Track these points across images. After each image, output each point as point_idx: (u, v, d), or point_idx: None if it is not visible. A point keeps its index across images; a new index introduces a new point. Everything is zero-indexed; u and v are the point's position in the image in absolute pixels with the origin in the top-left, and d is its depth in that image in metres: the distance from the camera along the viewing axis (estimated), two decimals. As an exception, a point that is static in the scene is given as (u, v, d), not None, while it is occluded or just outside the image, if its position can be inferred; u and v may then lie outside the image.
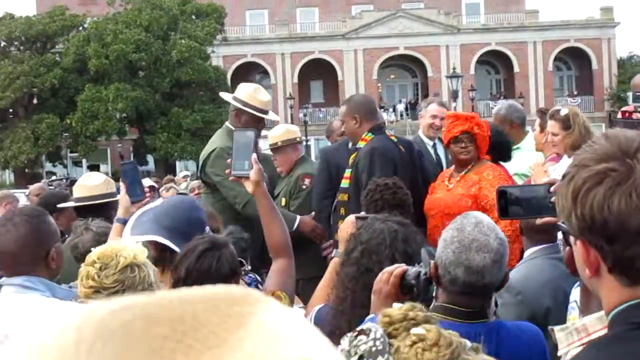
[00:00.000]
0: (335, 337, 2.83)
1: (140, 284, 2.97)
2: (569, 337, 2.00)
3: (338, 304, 3.44)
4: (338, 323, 3.34)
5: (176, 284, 3.27)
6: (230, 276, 3.51)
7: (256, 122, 6.31)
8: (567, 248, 2.19)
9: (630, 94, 6.34)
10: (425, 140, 7.62)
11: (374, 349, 2.19)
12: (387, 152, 6.13)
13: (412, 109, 62.41)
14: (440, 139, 7.55)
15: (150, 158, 53.29)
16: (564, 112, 6.12)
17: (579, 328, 1.98)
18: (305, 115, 52.65)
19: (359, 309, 3.33)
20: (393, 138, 6.41)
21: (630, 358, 1.55)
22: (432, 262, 2.96)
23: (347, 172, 6.24)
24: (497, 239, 3.02)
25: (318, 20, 65.38)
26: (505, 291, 3.95)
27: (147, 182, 11.61)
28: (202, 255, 3.39)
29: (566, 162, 6.00)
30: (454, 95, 41.41)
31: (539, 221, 3.76)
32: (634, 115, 6.16)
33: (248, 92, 6.53)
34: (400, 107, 61.79)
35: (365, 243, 3.51)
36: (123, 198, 4.86)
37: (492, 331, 2.95)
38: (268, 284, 3.90)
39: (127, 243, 3.16)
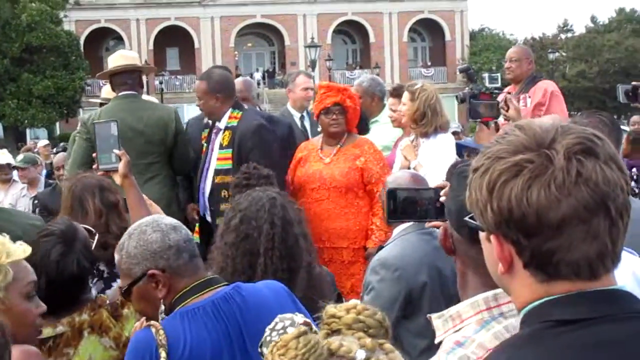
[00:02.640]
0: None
1: None
2: (445, 325, 2.04)
3: (219, 273, 3.44)
4: None
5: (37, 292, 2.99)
6: (90, 269, 3.50)
7: None
8: (442, 229, 2.19)
9: (486, 75, 6.46)
10: (294, 112, 7.70)
11: (268, 338, 2.19)
12: (269, 128, 6.15)
13: (270, 77, 62.51)
14: (308, 112, 7.63)
15: (-1, 125, 51.60)
16: (415, 86, 6.22)
17: (453, 315, 2.02)
18: (161, 82, 51.98)
19: (239, 275, 3.40)
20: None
21: (547, 357, 1.50)
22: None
23: (226, 153, 6.12)
24: None
25: (174, -14, 64.45)
26: (382, 268, 4.01)
27: (4, 158, 10.02)
28: (60, 261, 3.31)
29: (430, 144, 6.09)
30: (312, 64, 41.58)
31: (428, 224, 3.80)
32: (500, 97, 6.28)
33: (135, 56, 6.87)
34: (257, 75, 61.61)
35: (244, 210, 3.56)
36: None
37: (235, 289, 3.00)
38: None
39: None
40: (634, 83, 5.92)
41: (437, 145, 6.01)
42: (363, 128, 7.00)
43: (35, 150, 16.09)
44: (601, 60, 55.19)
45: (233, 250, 3.48)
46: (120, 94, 6.37)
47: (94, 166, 4.24)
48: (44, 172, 11.66)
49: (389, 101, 7.13)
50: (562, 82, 56.13)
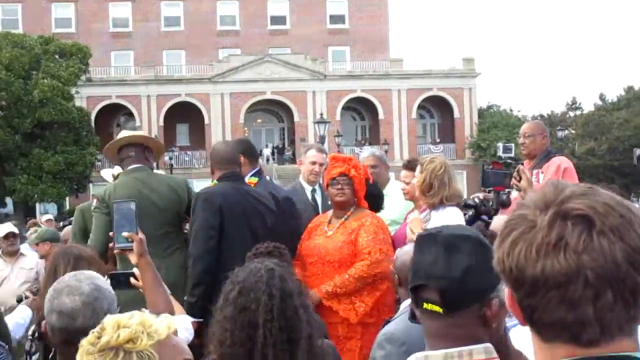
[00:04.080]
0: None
1: None
2: None
3: (218, 348, 3.37)
4: None
5: None
6: None
7: None
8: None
9: (500, 145, 6.49)
10: (305, 185, 7.74)
11: None
12: (210, 198, 6.03)
13: (279, 153, 62.85)
14: (320, 186, 7.63)
15: (9, 200, 51.79)
16: (425, 159, 6.26)
17: None
18: (170, 158, 52.35)
19: (238, 347, 3.33)
20: (251, 186, 6.37)
21: None
22: (43, 322, 2.91)
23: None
24: (91, 285, 3.14)
25: (185, 63, 65.17)
26: (388, 342, 3.92)
27: (8, 227, 10.57)
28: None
29: (439, 216, 6.04)
30: (321, 140, 41.82)
31: None
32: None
33: (143, 134, 6.93)
34: (267, 151, 62.00)
35: (242, 282, 3.48)
36: None
37: None
38: None
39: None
40: None
41: (444, 219, 5.94)
42: (379, 208, 6.79)
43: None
44: (610, 138, 55.42)
45: (232, 323, 3.40)
46: (129, 167, 6.38)
47: (111, 244, 4.26)
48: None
49: (402, 174, 7.11)
50: (571, 160, 56.25)
